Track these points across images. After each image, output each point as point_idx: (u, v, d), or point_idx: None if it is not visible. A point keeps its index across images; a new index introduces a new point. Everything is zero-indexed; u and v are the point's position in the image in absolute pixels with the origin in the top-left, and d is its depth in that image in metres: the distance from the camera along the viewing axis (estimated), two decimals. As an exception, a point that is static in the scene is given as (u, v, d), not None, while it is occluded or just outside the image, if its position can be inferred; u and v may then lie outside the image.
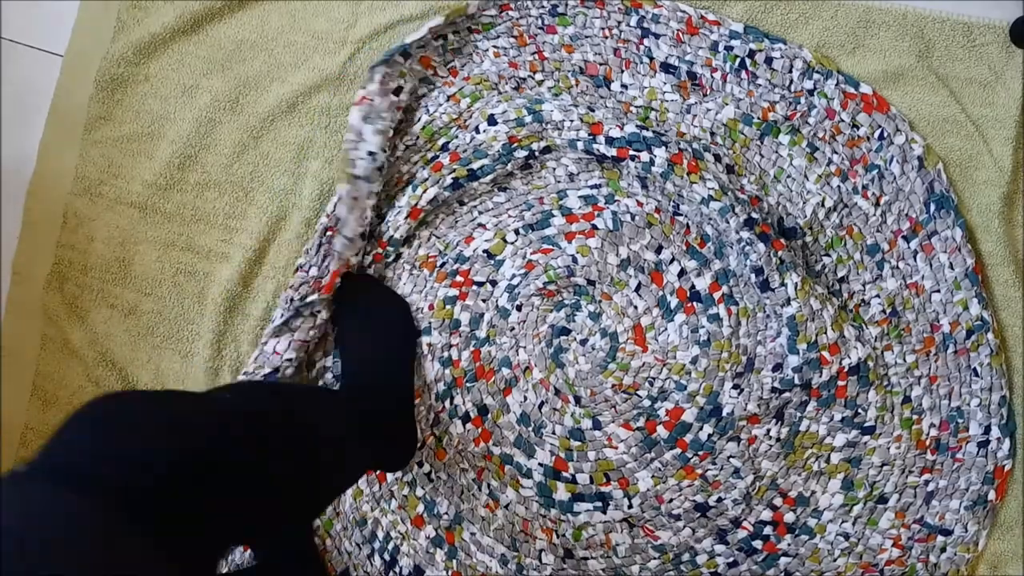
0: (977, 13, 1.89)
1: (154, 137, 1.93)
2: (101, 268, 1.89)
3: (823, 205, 1.83)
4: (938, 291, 1.82)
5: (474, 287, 1.84)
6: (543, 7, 1.90)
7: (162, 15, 1.94)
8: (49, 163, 1.93)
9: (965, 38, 1.89)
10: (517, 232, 1.84)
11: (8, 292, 1.91)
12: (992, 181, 1.86)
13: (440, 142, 1.88)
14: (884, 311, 1.82)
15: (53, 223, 1.92)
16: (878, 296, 1.82)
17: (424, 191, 1.84)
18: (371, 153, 1.81)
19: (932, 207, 1.83)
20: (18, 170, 1.92)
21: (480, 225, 1.86)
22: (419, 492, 1.81)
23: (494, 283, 1.84)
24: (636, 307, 1.81)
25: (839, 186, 1.84)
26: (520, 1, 1.89)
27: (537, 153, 1.85)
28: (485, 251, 1.84)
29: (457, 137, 1.88)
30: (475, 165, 1.85)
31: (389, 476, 1.82)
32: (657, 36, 1.89)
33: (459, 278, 1.84)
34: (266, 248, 1.89)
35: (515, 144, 1.84)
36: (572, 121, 1.81)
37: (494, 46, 1.91)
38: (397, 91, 1.87)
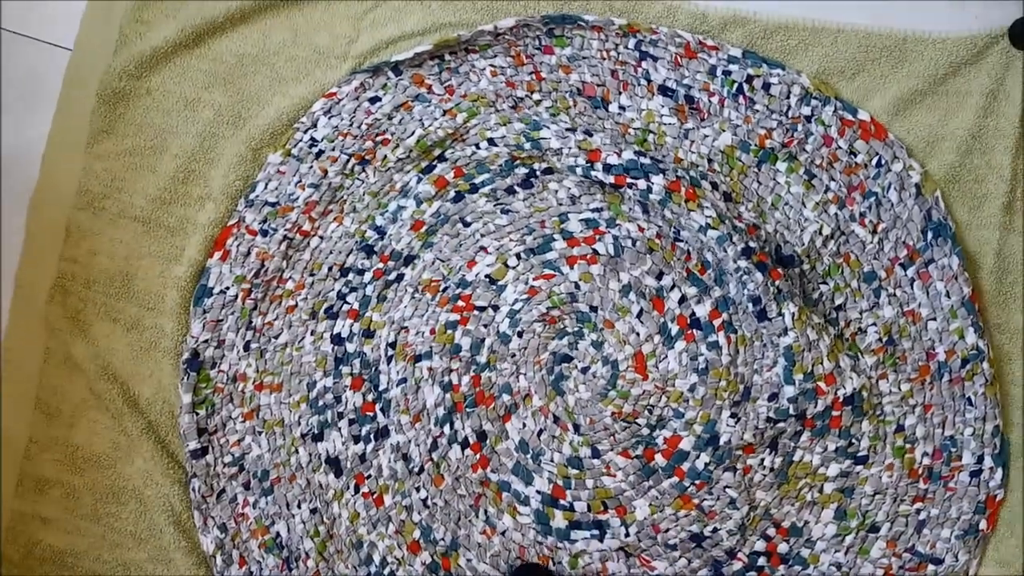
0: (977, 14, 1.89)
1: (157, 151, 1.93)
2: (104, 282, 1.90)
3: (820, 233, 1.83)
4: (934, 319, 1.83)
5: (475, 312, 1.84)
6: (540, 29, 1.90)
7: (164, 29, 1.94)
8: (52, 177, 1.93)
9: (967, 52, 1.89)
10: (519, 256, 1.84)
11: (11, 305, 1.92)
12: (992, 193, 1.87)
13: (436, 153, 1.89)
14: (880, 339, 1.82)
15: (56, 237, 1.92)
16: (875, 324, 1.83)
17: (429, 205, 1.85)
18: (314, 140, 1.88)
19: (929, 235, 1.83)
20: (21, 183, 1.93)
21: (482, 248, 1.86)
22: (416, 517, 1.82)
23: (496, 308, 1.84)
24: (638, 334, 1.82)
25: (836, 214, 1.84)
26: (516, 29, 1.89)
27: (539, 173, 1.86)
28: (487, 276, 1.85)
29: (454, 149, 1.89)
30: (477, 180, 1.87)
31: (387, 500, 1.83)
32: (655, 59, 1.89)
33: (460, 303, 1.85)
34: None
35: (517, 161, 1.86)
36: (570, 148, 1.82)
37: (491, 65, 1.91)
38: (373, 100, 1.90)
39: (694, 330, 1.81)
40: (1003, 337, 1.87)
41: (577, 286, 1.82)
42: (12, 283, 1.92)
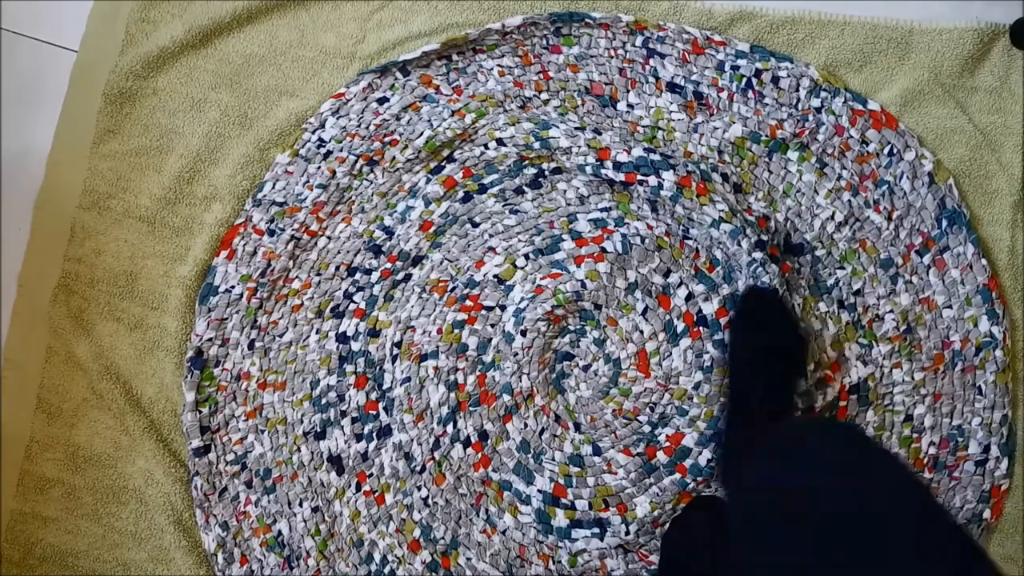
0: (977, 14, 1.89)
1: (163, 151, 1.94)
2: (108, 282, 1.90)
3: (833, 219, 1.82)
4: (950, 307, 1.81)
5: (483, 312, 1.83)
6: (547, 28, 1.89)
7: (171, 29, 1.94)
8: (57, 176, 1.94)
9: (974, 47, 1.88)
10: (527, 257, 1.83)
11: (14, 305, 1.92)
12: (1003, 190, 1.85)
13: (444, 153, 1.89)
14: (898, 327, 1.80)
15: (61, 236, 1.92)
16: (892, 311, 1.81)
17: (437, 206, 1.85)
18: (322, 140, 1.89)
19: (944, 223, 1.82)
20: (25, 183, 1.93)
21: (491, 249, 1.86)
22: (416, 516, 1.81)
23: (503, 308, 1.83)
24: (642, 331, 1.80)
25: (850, 200, 1.83)
26: (523, 28, 1.89)
27: (547, 173, 1.85)
28: (495, 276, 1.84)
29: (463, 149, 1.88)
30: (486, 180, 1.86)
31: (388, 498, 1.82)
32: (663, 56, 1.88)
33: (468, 303, 1.84)
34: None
35: (526, 161, 1.85)
36: (579, 147, 1.81)
37: (499, 65, 1.91)
38: (381, 101, 1.89)
39: (700, 328, 1.79)
40: (1018, 334, 1.84)
41: (583, 284, 1.80)
42: (15, 282, 1.91)
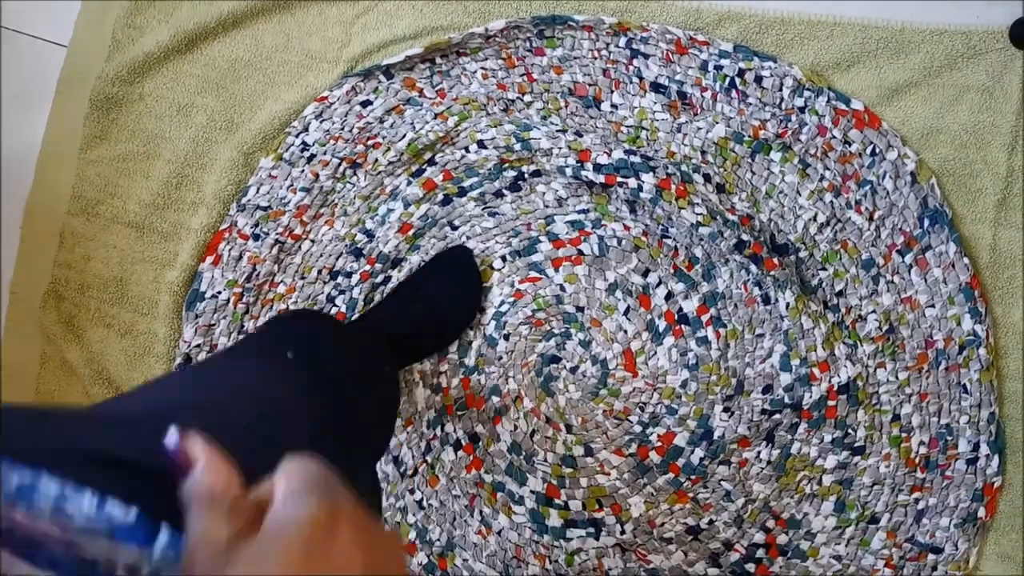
0: (978, 13, 1.88)
1: (150, 156, 1.94)
2: (98, 287, 1.91)
3: (815, 220, 1.82)
4: (932, 306, 1.81)
5: (462, 314, 1.84)
6: (530, 31, 1.89)
7: (156, 34, 1.94)
8: (46, 182, 1.94)
9: (964, 46, 1.87)
10: (504, 259, 1.84)
11: (7, 311, 1.93)
12: (987, 188, 1.85)
13: (426, 156, 1.89)
14: (880, 328, 1.81)
15: (50, 243, 1.93)
16: (874, 312, 1.81)
17: (417, 208, 1.85)
18: (305, 144, 1.88)
19: (926, 222, 1.82)
20: (16, 188, 1.93)
21: (468, 251, 1.86)
22: (411, 519, 1.82)
23: (482, 310, 1.84)
24: (626, 331, 1.81)
25: (832, 201, 1.83)
26: (507, 31, 1.88)
27: (527, 176, 1.85)
28: (474, 279, 1.84)
29: (444, 152, 1.88)
30: (466, 184, 1.86)
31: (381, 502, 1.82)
32: (646, 56, 1.88)
33: (447, 306, 1.84)
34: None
35: (506, 164, 1.85)
36: (560, 148, 1.81)
37: (482, 67, 1.90)
38: (365, 104, 1.90)
39: (682, 326, 1.81)
40: (1000, 332, 1.85)
41: (563, 288, 1.82)
42: (7, 290, 1.92)
